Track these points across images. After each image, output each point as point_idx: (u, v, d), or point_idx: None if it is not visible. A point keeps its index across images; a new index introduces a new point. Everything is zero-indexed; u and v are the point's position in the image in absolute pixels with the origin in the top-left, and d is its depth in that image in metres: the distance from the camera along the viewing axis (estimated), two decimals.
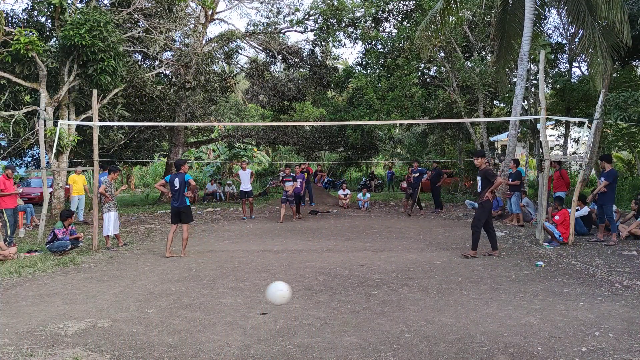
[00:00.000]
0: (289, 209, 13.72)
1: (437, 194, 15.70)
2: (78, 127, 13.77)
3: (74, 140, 13.18)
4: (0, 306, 5.63)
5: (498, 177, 7.92)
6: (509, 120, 14.43)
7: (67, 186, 13.41)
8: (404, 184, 15.80)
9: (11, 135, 12.58)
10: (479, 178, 8.21)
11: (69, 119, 13.09)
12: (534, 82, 16.94)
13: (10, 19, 13.15)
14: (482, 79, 16.43)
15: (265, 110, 26.24)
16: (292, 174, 13.21)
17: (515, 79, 15.01)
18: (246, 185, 13.89)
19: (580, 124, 18.26)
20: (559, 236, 9.10)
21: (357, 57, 24.26)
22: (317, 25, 21.20)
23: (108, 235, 9.37)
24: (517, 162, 12.38)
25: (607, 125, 15.91)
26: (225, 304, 5.65)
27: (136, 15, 14.43)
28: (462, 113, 17.61)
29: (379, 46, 19.72)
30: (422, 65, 19.31)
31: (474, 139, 18.93)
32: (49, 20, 13.32)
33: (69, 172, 13.31)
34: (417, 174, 14.63)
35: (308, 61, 22.02)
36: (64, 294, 6.14)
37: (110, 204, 9.41)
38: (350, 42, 22.75)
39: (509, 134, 14.18)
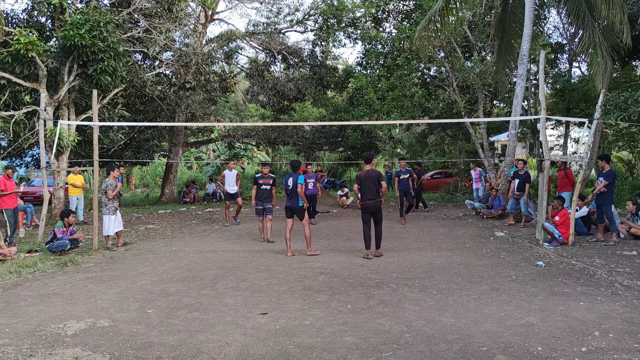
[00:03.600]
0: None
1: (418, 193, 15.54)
2: (78, 127, 13.76)
3: (74, 140, 13.18)
4: (0, 306, 5.63)
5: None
6: (509, 120, 14.43)
7: (67, 185, 13.40)
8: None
9: (11, 135, 12.57)
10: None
11: (69, 119, 13.09)
12: (534, 82, 16.94)
13: (10, 19, 13.13)
14: (482, 79, 16.42)
15: (265, 110, 26.25)
16: (271, 174, 10.44)
17: (515, 79, 15.01)
18: (232, 187, 12.83)
19: (580, 124, 18.26)
20: (559, 236, 9.10)
21: (357, 57, 24.27)
22: (317, 25, 21.20)
23: (108, 235, 9.36)
24: (525, 163, 12.22)
25: (607, 125, 15.90)
26: (225, 304, 5.66)
27: (136, 16, 14.41)
28: (462, 113, 17.60)
29: (379, 46, 19.72)
30: (422, 65, 19.30)
31: (474, 139, 18.92)
32: (49, 20, 13.31)
33: (68, 172, 13.31)
34: (407, 175, 13.66)
35: (308, 61, 22.03)
36: (64, 294, 6.14)
37: (110, 207, 9.35)
38: (350, 42, 22.81)
39: (509, 134, 14.18)
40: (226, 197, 13.16)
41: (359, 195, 8.26)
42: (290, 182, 8.59)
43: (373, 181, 8.11)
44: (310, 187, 12.89)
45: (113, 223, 9.36)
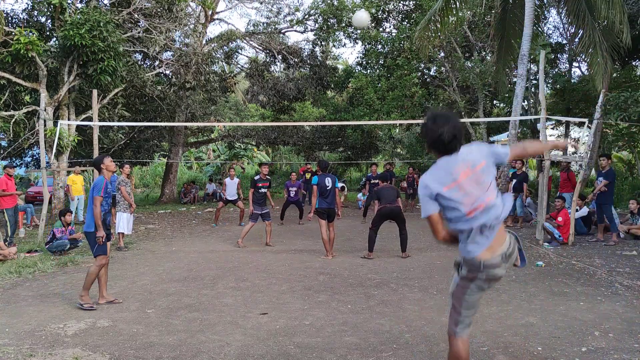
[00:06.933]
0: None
1: None
2: (78, 127, 13.75)
3: (74, 140, 13.17)
4: (0, 306, 5.63)
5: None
6: (509, 120, 14.42)
7: (67, 186, 13.41)
8: (404, 184, 15.73)
9: (11, 135, 12.57)
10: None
11: (69, 119, 13.08)
12: (534, 82, 16.93)
13: (10, 19, 13.12)
14: (482, 79, 16.42)
15: (265, 110, 26.24)
16: (268, 176, 9.91)
17: (515, 79, 15.00)
18: (233, 196, 12.44)
19: (580, 124, 18.24)
20: (559, 236, 9.10)
21: (357, 57, 24.25)
22: (317, 25, 21.18)
23: (121, 234, 9.23)
24: (523, 163, 12.23)
25: (607, 125, 15.90)
26: (225, 304, 5.65)
27: (136, 15, 14.41)
28: (462, 113, 17.60)
29: (379, 46, 19.72)
30: (422, 65, 19.30)
31: (474, 139, 18.93)
32: (49, 20, 13.30)
33: (68, 172, 13.30)
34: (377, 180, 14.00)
35: (308, 61, 22.00)
36: (64, 294, 6.14)
37: (127, 205, 9.30)
38: (350, 42, 22.76)
39: (509, 134, 14.16)
40: (224, 200, 12.77)
41: (378, 202, 8.40)
42: (328, 182, 8.34)
43: (391, 191, 8.41)
44: (292, 195, 12.90)
45: (126, 221, 9.27)
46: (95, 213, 5.49)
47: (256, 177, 9.74)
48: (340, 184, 17.73)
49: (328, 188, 8.32)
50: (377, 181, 13.38)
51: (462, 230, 2.72)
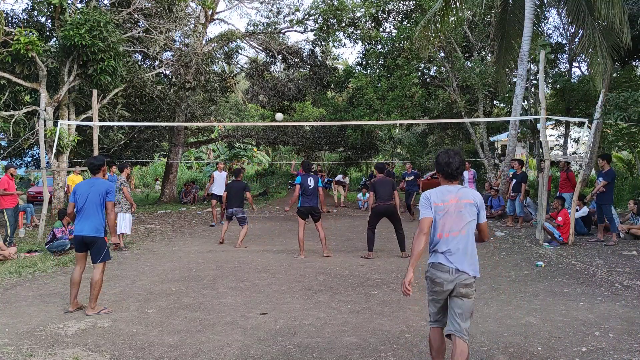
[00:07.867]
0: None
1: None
2: (78, 127, 13.74)
3: (74, 140, 13.17)
4: (0, 306, 5.63)
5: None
6: (509, 120, 14.44)
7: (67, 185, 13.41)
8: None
9: (11, 135, 12.56)
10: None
11: (69, 119, 13.08)
12: (534, 82, 16.94)
13: (10, 19, 13.12)
14: (482, 79, 16.42)
15: (265, 110, 26.25)
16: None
17: (515, 79, 15.02)
18: (220, 189, 12.46)
19: (580, 124, 18.26)
20: (559, 236, 9.10)
21: (357, 57, 24.26)
22: (317, 25, 21.18)
23: (122, 234, 9.25)
24: (522, 163, 12.23)
25: (607, 125, 15.91)
26: (225, 304, 5.65)
27: (136, 15, 14.40)
28: (462, 113, 17.61)
29: (379, 46, 19.72)
30: (422, 65, 19.30)
31: (474, 139, 18.93)
32: (49, 20, 13.30)
33: (68, 172, 13.30)
34: (412, 177, 14.37)
35: (308, 61, 22.00)
36: (64, 294, 6.13)
37: (128, 205, 9.32)
38: (350, 42, 22.77)
39: (509, 134, 14.19)
40: (212, 197, 12.96)
41: (375, 196, 8.40)
42: (311, 181, 8.45)
43: (387, 186, 8.34)
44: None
45: (128, 221, 9.28)
46: (111, 219, 5.44)
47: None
48: (340, 176, 17.99)
49: (310, 188, 8.46)
50: (412, 178, 13.92)
51: (432, 247, 3.42)
